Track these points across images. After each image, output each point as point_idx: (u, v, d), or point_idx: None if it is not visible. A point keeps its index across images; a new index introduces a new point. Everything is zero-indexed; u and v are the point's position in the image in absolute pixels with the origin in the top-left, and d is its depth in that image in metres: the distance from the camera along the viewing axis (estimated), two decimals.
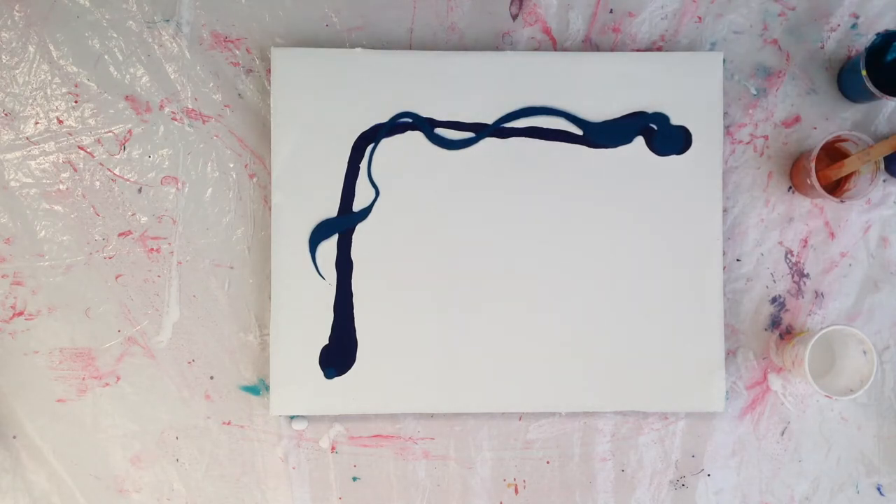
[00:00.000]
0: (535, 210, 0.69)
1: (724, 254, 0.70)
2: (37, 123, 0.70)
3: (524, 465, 0.70)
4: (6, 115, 0.70)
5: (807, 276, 0.71)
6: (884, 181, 0.71)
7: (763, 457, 0.70)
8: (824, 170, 0.67)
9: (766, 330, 0.71)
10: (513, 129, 0.69)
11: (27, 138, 0.70)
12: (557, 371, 0.68)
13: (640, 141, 0.69)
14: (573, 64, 0.69)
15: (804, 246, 0.71)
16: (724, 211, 0.70)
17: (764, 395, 0.70)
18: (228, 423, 0.70)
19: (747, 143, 0.71)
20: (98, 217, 0.70)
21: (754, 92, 0.71)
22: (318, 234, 0.68)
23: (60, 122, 0.70)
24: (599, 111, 0.69)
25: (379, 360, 0.68)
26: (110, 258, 0.70)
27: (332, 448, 0.70)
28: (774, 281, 0.71)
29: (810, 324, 0.71)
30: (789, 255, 0.71)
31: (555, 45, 0.71)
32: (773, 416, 0.70)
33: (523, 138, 0.69)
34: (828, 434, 0.70)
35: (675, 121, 0.69)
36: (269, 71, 0.70)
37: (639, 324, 0.68)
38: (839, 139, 0.67)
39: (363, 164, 0.69)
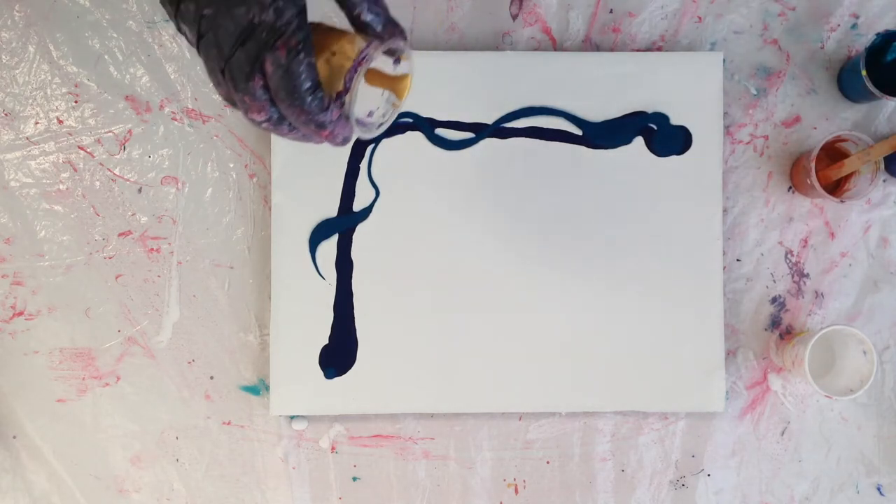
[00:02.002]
0: (535, 210, 0.69)
1: (724, 254, 0.70)
2: (37, 123, 0.70)
3: (524, 465, 0.70)
4: (6, 115, 0.70)
5: (807, 276, 0.71)
6: (884, 181, 0.71)
7: (763, 457, 0.70)
8: (824, 170, 0.67)
9: (766, 330, 0.71)
10: (513, 129, 0.69)
11: (27, 138, 0.70)
12: (557, 371, 0.68)
13: (639, 141, 0.69)
14: (573, 64, 0.69)
15: (804, 246, 0.71)
16: (724, 211, 0.70)
17: (764, 395, 0.70)
18: (228, 423, 0.70)
19: (747, 143, 0.71)
20: (98, 217, 0.70)
21: (754, 92, 0.71)
22: (318, 234, 0.68)
23: (60, 122, 0.70)
24: (599, 111, 0.69)
25: (379, 360, 0.68)
26: (110, 258, 0.70)
27: (332, 448, 0.70)
28: (774, 281, 0.71)
29: (810, 324, 0.71)
30: (789, 255, 0.71)
31: (555, 45, 0.71)
32: (773, 416, 0.70)
33: (523, 138, 0.69)
34: (828, 434, 0.70)
35: (675, 121, 0.69)
36: None
37: (639, 324, 0.68)
38: (839, 139, 0.67)
39: (363, 165, 0.69)
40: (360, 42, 0.44)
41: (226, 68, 0.42)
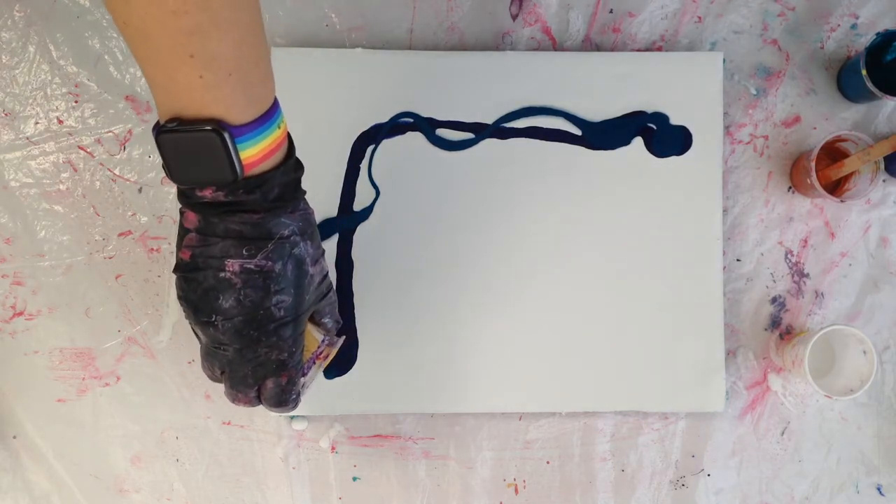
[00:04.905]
0: (535, 211, 0.69)
1: (724, 254, 0.70)
2: (37, 123, 0.70)
3: (524, 465, 0.70)
4: (6, 115, 0.70)
5: (807, 276, 0.71)
6: (884, 181, 0.71)
7: (763, 457, 0.70)
8: (824, 170, 0.67)
9: (766, 330, 0.71)
10: (513, 129, 0.69)
11: (27, 138, 0.70)
12: (557, 371, 0.68)
13: (639, 141, 0.69)
14: (573, 64, 0.69)
15: (804, 246, 0.71)
16: (724, 211, 0.70)
17: (764, 395, 0.70)
18: (228, 424, 0.70)
19: (747, 143, 0.71)
20: (98, 217, 0.70)
21: (754, 92, 0.71)
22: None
23: (60, 122, 0.70)
24: (599, 111, 0.69)
25: (379, 360, 0.68)
26: (110, 258, 0.70)
27: (332, 448, 0.70)
28: (774, 281, 0.71)
29: (810, 324, 0.71)
30: (789, 255, 0.71)
31: (555, 45, 0.71)
32: (773, 416, 0.70)
33: (523, 138, 0.69)
34: (828, 434, 0.70)
35: (674, 121, 0.69)
36: None
37: (639, 324, 0.68)
38: (839, 139, 0.67)
39: (363, 165, 0.69)
40: (318, 335, 0.57)
41: (229, 374, 0.50)
